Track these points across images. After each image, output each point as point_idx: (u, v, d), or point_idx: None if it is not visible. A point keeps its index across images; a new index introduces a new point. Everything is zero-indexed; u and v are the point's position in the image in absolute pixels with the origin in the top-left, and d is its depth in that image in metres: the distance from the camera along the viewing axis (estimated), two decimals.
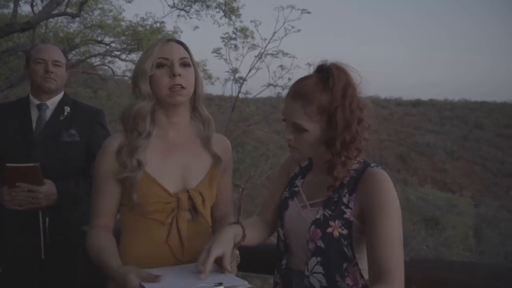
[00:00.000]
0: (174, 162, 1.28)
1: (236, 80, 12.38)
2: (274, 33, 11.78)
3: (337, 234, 1.15)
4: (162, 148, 1.29)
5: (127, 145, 1.24)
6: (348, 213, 1.15)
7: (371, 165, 1.19)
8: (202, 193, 1.29)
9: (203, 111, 1.35)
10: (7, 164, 1.64)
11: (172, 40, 1.31)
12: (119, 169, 1.24)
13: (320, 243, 1.16)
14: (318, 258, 1.17)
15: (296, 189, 1.29)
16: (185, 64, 1.27)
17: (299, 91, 1.17)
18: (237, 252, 1.23)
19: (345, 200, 1.16)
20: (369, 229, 1.11)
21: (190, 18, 10.06)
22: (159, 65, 1.25)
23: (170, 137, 1.31)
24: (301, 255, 1.23)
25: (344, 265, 1.16)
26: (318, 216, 1.18)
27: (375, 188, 1.12)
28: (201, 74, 1.37)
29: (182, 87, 1.25)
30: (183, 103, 1.29)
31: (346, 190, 1.17)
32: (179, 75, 1.24)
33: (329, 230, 1.15)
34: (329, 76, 1.15)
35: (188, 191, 1.26)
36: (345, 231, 1.15)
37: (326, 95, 1.14)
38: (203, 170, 1.32)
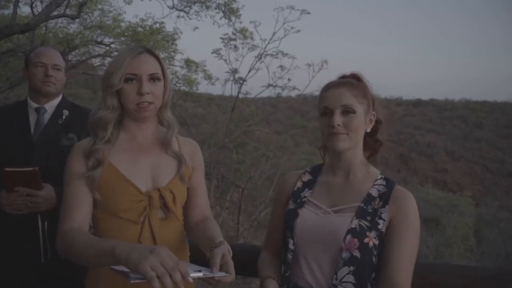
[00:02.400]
0: (143, 163, 1.31)
1: (236, 81, 12.37)
2: (274, 33, 11.77)
3: (371, 244, 1.19)
4: (131, 150, 1.32)
5: (89, 148, 1.28)
6: (381, 224, 1.21)
7: (395, 183, 1.29)
8: (173, 191, 1.31)
9: (167, 116, 1.37)
10: (6, 168, 1.63)
11: (144, 52, 1.30)
12: (85, 170, 1.27)
13: (356, 253, 1.18)
14: (351, 267, 1.18)
15: (304, 199, 1.31)
16: (154, 79, 1.28)
17: (341, 81, 1.29)
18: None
19: (379, 212, 1.22)
20: (394, 243, 1.19)
21: (190, 19, 10.06)
22: (127, 80, 1.26)
23: (138, 140, 1.34)
24: (309, 264, 1.23)
25: (373, 274, 1.21)
26: (353, 226, 1.20)
27: (408, 207, 1.22)
28: (172, 85, 1.38)
29: (150, 103, 1.27)
30: (151, 116, 1.33)
31: (381, 203, 1.23)
32: (148, 93, 1.26)
33: (366, 240, 1.19)
34: (355, 78, 1.31)
35: (159, 190, 1.28)
36: (377, 241, 1.20)
37: (363, 85, 1.29)
38: (172, 169, 1.34)
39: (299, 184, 1.37)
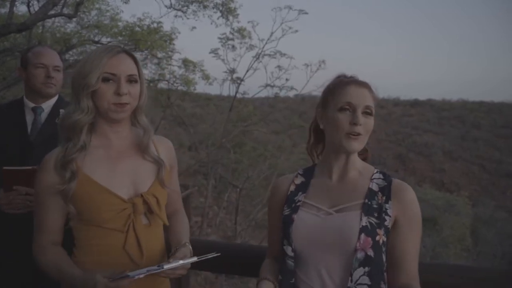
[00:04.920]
0: (122, 169, 1.28)
1: (233, 81, 12.35)
2: (272, 33, 11.76)
3: (381, 242, 1.17)
4: (108, 157, 1.29)
5: (62, 157, 1.24)
6: (387, 221, 1.18)
7: (391, 176, 1.27)
8: (156, 195, 1.29)
9: (142, 121, 1.34)
10: (4, 168, 1.63)
11: (121, 51, 1.26)
12: (59, 182, 1.23)
13: (371, 252, 1.14)
14: (366, 268, 1.14)
15: (298, 203, 1.27)
16: (131, 81, 1.25)
17: (362, 81, 1.26)
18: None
19: (384, 207, 1.19)
20: (405, 236, 1.18)
21: (188, 18, 10.04)
22: (105, 79, 1.22)
23: (114, 145, 1.30)
24: (316, 269, 1.19)
25: (384, 272, 1.19)
26: (364, 224, 1.16)
27: (411, 200, 1.21)
28: (146, 88, 1.35)
29: (126, 103, 1.25)
30: (125, 118, 1.29)
31: (384, 197, 1.20)
32: (126, 94, 1.23)
33: (377, 238, 1.16)
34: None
35: (142, 195, 1.26)
36: (385, 239, 1.18)
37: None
38: (152, 173, 1.32)
39: (292, 187, 1.33)
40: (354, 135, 1.20)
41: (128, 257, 1.24)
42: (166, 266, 1.12)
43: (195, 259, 1.18)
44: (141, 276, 1.09)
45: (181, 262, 1.15)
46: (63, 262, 1.24)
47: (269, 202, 1.39)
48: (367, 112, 1.21)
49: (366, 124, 1.21)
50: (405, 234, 1.18)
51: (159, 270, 1.11)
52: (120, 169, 1.28)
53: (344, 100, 1.21)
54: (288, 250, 1.23)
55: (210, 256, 1.21)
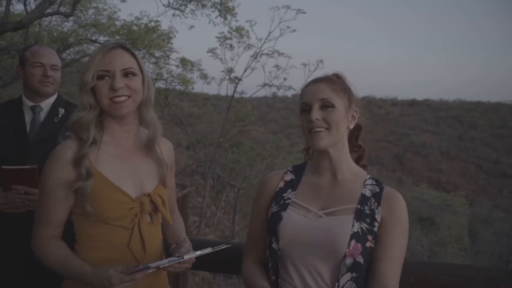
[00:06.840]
0: (131, 168, 1.29)
1: (231, 80, 12.33)
2: (270, 33, 11.74)
3: (370, 248, 1.17)
4: (118, 155, 1.29)
5: (76, 154, 1.23)
6: (376, 226, 1.18)
7: (382, 183, 1.26)
8: (161, 195, 1.31)
9: (148, 116, 1.32)
10: (3, 167, 1.62)
11: (116, 47, 1.27)
12: (76, 178, 1.21)
13: (359, 258, 1.14)
14: (354, 274, 1.14)
15: (288, 201, 1.26)
16: (129, 74, 1.25)
17: (320, 77, 1.26)
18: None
19: (375, 213, 1.19)
20: (386, 243, 1.16)
21: (186, 17, 10.01)
22: (100, 77, 1.23)
23: (123, 144, 1.31)
24: (298, 269, 1.19)
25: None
26: (355, 230, 1.15)
27: (400, 208, 1.20)
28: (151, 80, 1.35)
29: (128, 97, 1.24)
30: (130, 113, 1.28)
31: (376, 203, 1.20)
32: (122, 87, 1.23)
33: (367, 244, 1.16)
34: (336, 76, 1.27)
35: (149, 195, 1.28)
36: (373, 244, 1.17)
37: (343, 81, 1.25)
38: (156, 173, 1.34)
39: (281, 184, 1.31)
40: (314, 131, 1.20)
41: (132, 254, 1.25)
42: (186, 257, 1.15)
43: (209, 249, 1.20)
44: (166, 265, 1.12)
45: (198, 252, 1.17)
46: (67, 256, 1.23)
47: (256, 199, 1.35)
48: (325, 105, 1.20)
49: (326, 117, 1.20)
50: (388, 240, 1.16)
51: (180, 260, 1.15)
52: (127, 168, 1.29)
53: (301, 102, 1.24)
54: (276, 249, 1.22)
55: (222, 247, 1.24)
